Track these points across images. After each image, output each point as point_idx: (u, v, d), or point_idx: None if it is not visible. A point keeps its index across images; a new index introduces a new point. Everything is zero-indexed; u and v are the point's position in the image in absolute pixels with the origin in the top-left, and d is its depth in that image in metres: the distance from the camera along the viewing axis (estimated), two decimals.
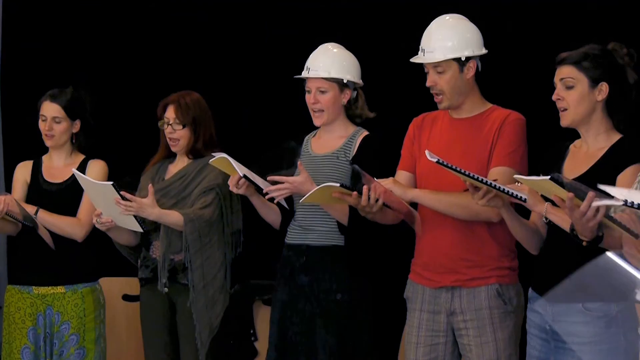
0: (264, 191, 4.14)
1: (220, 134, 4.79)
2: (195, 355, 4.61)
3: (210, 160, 4.24)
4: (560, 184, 3.10)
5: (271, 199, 4.18)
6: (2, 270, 7.32)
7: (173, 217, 4.59)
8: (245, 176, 4.14)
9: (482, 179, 3.47)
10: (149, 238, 4.69)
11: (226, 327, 4.68)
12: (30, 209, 4.66)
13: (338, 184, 3.83)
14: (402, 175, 4.10)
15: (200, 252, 4.60)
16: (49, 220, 4.69)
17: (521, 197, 3.42)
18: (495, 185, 3.46)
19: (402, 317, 4.18)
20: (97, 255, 4.81)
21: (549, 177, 3.11)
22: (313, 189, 3.91)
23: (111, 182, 4.47)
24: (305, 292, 4.28)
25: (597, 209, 3.09)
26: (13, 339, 4.73)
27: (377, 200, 3.81)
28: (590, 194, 3.08)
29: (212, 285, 4.63)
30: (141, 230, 4.58)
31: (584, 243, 3.27)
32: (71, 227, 4.73)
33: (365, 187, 3.81)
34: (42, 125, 4.79)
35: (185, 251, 4.58)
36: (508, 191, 3.42)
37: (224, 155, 4.16)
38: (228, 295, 4.70)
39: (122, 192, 4.44)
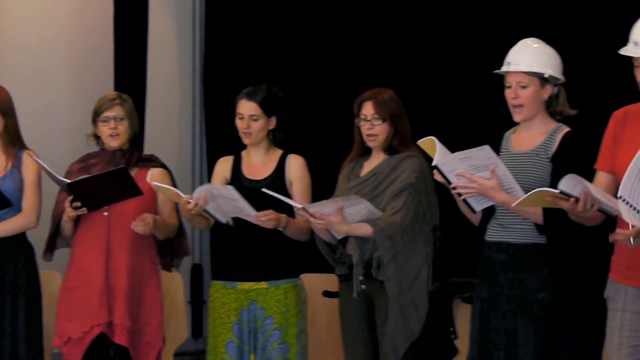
0: (452, 185, 4.11)
1: (415, 132, 4.78)
2: (394, 355, 4.60)
3: (419, 141, 4.21)
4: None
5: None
6: (206, 266, 7.54)
7: (363, 230, 4.59)
8: (436, 166, 4.12)
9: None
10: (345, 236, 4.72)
11: (425, 325, 4.66)
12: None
13: (557, 190, 3.76)
14: (601, 177, 3.98)
15: (394, 259, 4.58)
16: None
17: None
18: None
19: (603, 317, 4.08)
20: (298, 252, 4.87)
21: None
22: (516, 202, 3.89)
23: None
24: (506, 290, 4.23)
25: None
26: (218, 333, 4.83)
27: (592, 206, 3.75)
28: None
29: (412, 289, 4.61)
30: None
31: None
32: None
33: (583, 194, 3.73)
34: (239, 124, 4.85)
35: (380, 255, 4.58)
36: None
37: (433, 137, 4.13)
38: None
39: (311, 211, 4.47)
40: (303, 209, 4.51)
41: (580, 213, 3.78)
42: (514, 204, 3.98)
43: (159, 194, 4.94)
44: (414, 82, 6.18)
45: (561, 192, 3.74)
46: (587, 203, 3.75)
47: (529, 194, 3.85)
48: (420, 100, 5.70)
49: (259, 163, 4.91)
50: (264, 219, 4.63)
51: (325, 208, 4.52)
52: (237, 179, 4.88)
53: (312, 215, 4.51)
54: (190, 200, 4.64)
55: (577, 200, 3.74)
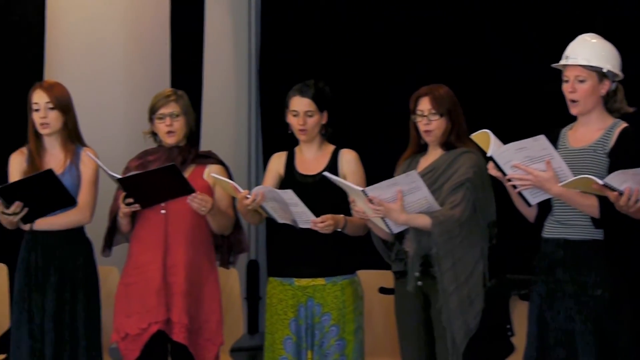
0: (507, 177, 4.09)
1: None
2: (451, 352, 4.59)
3: (472, 135, 4.21)
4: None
5: None
6: (262, 262, 7.57)
7: (421, 221, 4.56)
8: (491, 157, 4.10)
9: None
10: (402, 232, 4.71)
11: (482, 322, 4.64)
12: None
13: (601, 182, 3.74)
14: None
15: (451, 253, 4.56)
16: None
17: None
18: None
19: None
20: (354, 248, 4.87)
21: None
22: (563, 183, 3.86)
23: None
24: (564, 287, 4.20)
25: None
26: (275, 329, 4.84)
27: (637, 202, 3.73)
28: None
29: (467, 284, 4.59)
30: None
31: None
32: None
33: (627, 189, 3.72)
34: (294, 121, 4.85)
35: (435, 254, 4.57)
36: None
37: (487, 130, 4.12)
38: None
39: (370, 196, 4.47)
40: (362, 192, 4.49)
41: (622, 207, 3.78)
42: (560, 184, 3.99)
43: (215, 189, 4.97)
44: (467, 78, 6.16)
45: (604, 185, 3.73)
46: (631, 198, 3.75)
47: (576, 177, 3.84)
48: (473, 97, 5.67)
49: (312, 158, 4.91)
50: (322, 225, 4.65)
51: (385, 193, 4.50)
52: (290, 175, 4.89)
53: (370, 201, 4.48)
54: (248, 196, 4.66)
55: (621, 194, 3.74)
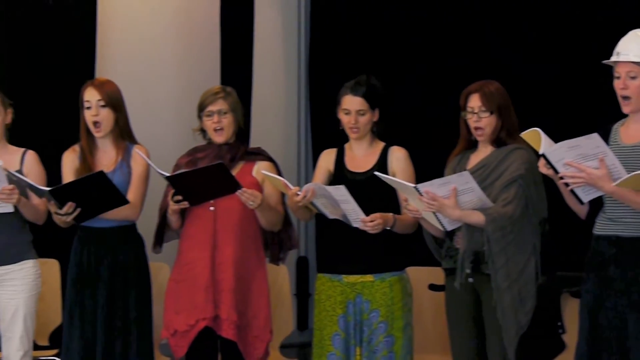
0: (560, 175, 4.06)
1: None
2: (502, 348, 4.56)
3: (522, 133, 4.18)
4: None
5: None
6: (311, 259, 7.57)
7: (475, 218, 4.54)
8: (543, 155, 4.07)
9: None
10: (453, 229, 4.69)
11: (533, 319, 4.62)
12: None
13: None
14: None
15: (504, 250, 4.54)
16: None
17: None
18: None
19: None
20: (404, 245, 4.86)
21: None
22: (617, 182, 3.83)
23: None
24: (615, 284, 4.17)
25: None
26: (324, 326, 4.85)
27: None
28: None
29: (519, 282, 4.56)
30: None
31: None
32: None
33: None
34: (346, 119, 4.84)
35: (488, 251, 4.55)
36: None
37: (537, 129, 4.10)
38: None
39: (423, 190, 4.45)
40: (415, 188, 4.48)
41: None
42: (614, 184, 3.96)
43: (265, 185, 4.98)
44: (518, 74, 6.13)
45: None
46: None
47: (629, 175, 3.80)
48: (523, 93, 5.64)
49: (361, 155, 4.91)
50: (371, 224, 4.65)
51: (438, 191, 4.48)
52: (340, 172, 4.89)
53: (423, 195, 4.47)
54: (299, 193, 4.67)
55: None
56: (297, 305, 7.43)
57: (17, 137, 5.17)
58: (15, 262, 5.03)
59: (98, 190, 4.77)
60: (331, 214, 4.75)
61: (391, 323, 4.79)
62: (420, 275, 5.58)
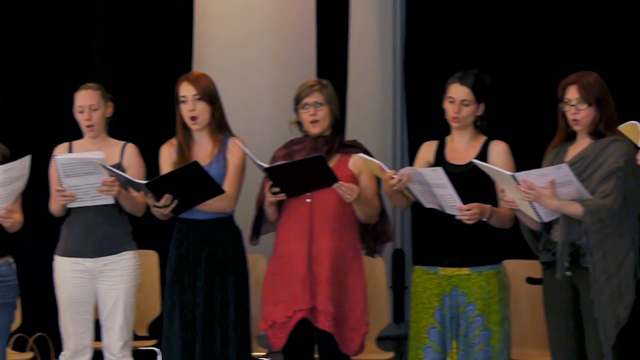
0: None
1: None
2: (601, 343, 4.50)
3: (620, 126, 4.13)
4: None
5: None
6: (407, 252, 7.57)
7: (572, 209, 4.49)
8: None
9: None
10: (550, 222, 4.64)
11: (632, 314, 4.55)
12: None
13: None
14: None
15: (602, 243, 4.47)
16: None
17: None
18: None
19: None
20: (500, 238, 4.83)
21: None
22: None
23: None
24: None
25: None
26: (420, 318, 4.84)
27: None
28: None
29: (617, 275, 4.49)
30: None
31: None
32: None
33: None
34: (450, 107, 4.83)
35: (586, 243, 4.48)
36: None
37: (635, 122, 4.05)
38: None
39: (520, 179, 4.41)
40: (512, 176, 4.45)
41: None
42: None
43: (361, 178, 4.98)
44: (617, 65, 6.05)
45: None
46: None
47: None
48: (624, 83, 5.57)
49: (462, 148, 4.89)
50: (468, 213, 4.62)
51: (535, 182, 4.44)
52: (439, 163, 4.85)
53: (520, 184, 4.43)
54: (394, 176, 4.67)
55: None
56: (393, 298, 7.44)
57: (116, 130, 5.27)
58: (115, 254, 5.12)
59: (193, 181, 4.82)
60: (427, 203, 4.73)
61: (488, 317, 4.76)
62: (518, 269, 5.54)
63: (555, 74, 4.89)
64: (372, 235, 5.11)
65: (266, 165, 4.79)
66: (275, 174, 4.79)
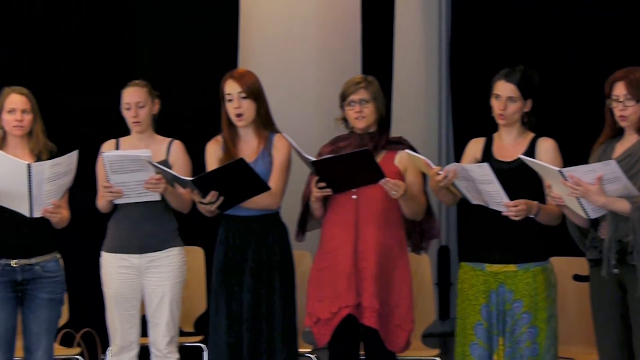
0: None
1: None
2: None
3: None
4: None
5: None
6: (452, 248, 7.55)
7: (620, 205, 4.45)
8: None
9: None
10: (597, 219, 4.61)
11: None
12: None
13: None
14: None
15: None
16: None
17: None
18: None
19: None
20: (548, 235, 4.80)
21: None
22: None
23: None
24: None
25: None
26: (467, 315, 4.83)
27: None
28: None
29: None
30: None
31: None
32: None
33: None
34: (496, 104, 4.81)
35: (633, 240, 4.45)
36: None
37: None
38: None
39: (567, 174, 4.38)
40: (559, 172, 4.42)
41: None
42: None
43: (407, 174, 4.98)
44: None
45: None
46: None
47: None
48: None
49: (510, 145, 4.86)
50: (515, 209, 4.60)
51: (584, 177, 4.41)
52: (487, 160, 4.83)
53: (567, 180, 4.40)
54: (440, 172, 4.66)
55: None
56: (438, 295, 7.42)
57: (162, 127, 5.30)
58: (161, 250, 5.15)
59: (239, 178, 4.84)
60: (474, 199, 4.72)
61: (535, 314, 4.74)
62: (565, 266, 5.51)
63: (603, 72, 4.85)
64: (417, 231, 5.11)
65: (313, 159, 4.80)
66: (322, 168, 4.79)
